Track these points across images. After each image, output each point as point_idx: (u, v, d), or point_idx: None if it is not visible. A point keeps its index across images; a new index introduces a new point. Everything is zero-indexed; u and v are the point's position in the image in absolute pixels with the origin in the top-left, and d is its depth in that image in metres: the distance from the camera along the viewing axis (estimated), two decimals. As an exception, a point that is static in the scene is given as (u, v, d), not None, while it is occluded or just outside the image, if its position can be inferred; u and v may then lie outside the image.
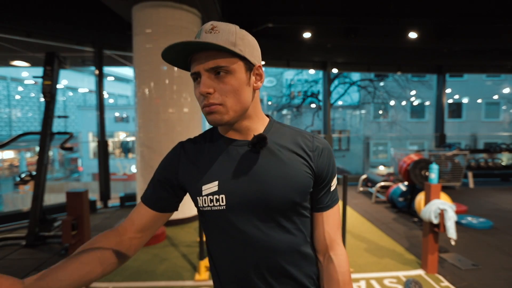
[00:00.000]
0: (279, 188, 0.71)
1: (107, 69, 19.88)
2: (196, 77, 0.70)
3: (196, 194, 0.74)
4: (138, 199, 4.12)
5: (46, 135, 3.45)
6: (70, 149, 3.44)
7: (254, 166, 0.72)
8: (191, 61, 0.70)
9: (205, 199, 0.72)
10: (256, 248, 0.71)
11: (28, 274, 2.69)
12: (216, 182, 0.72)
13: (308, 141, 0.77)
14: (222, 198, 0.71)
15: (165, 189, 0.78)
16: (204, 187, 0.73)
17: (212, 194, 0.72)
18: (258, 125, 0.77)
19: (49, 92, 3.46)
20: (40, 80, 3.49)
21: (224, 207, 0.71)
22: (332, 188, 0.80)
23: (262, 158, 0.73)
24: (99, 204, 4.81)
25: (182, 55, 0.69)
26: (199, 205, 0.74)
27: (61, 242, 3.18)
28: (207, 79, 0.68)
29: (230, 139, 0.76)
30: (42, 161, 3.41)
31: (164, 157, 0.82)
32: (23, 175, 3.44)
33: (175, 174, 0.77)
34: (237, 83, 0.69)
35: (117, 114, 19.85)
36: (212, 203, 0.72)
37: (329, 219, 0.80)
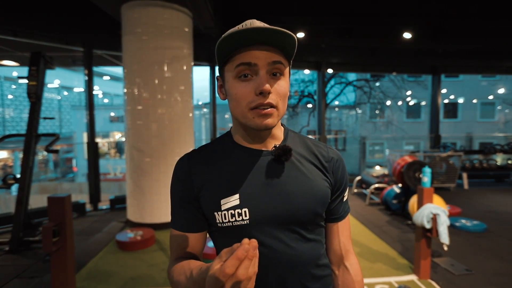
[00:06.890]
0: (305, 199, 0.69)
1: (102, 69, 19.71)
2: (243, 72, 0.63)
3: (213, 210, 0.68)
4: (128, 201, 4.06)
5: (31, 137, 3.35)
6: (55, 151, 3.35)
7: (279, 178, 0.69)
8: (239, 53, 0.63)
9: (224, 214, 0.67)
10: (280, 261, 0.68)
11: (9, 281, 2.61)
12: (237, 195, 0.67)
13: (323, 151, 0.76)
14: (245, 212, 0.66)
15: (194, 208, 0.73)
16: (223, 201, 0.67)
17: (234, 208, 0.66)
18: (278, 131, 0.75)
19: (34, 93, 3.37)
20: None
21: (248, 221, 0.66)
22: (345, 198, 0.80)
23: (286, 170, 0.69)
24: (88, 207, 4.72)
25: (233, 48, 0.63)
26: (217, 221, 0.68)
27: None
28: (267, 77, 0.63)
29: (250, 148, 0.72)
30: (27, 164, 3.32)
31: (173, 178, 0.75)
32: (7, 178, 3.34)
33: (192, 190, 0.71)
34: (287, 87, 0.67)
35: (112, 114, 19.64)
36: (234, 218, 0.66)
37: (344, 229, 0.80)
